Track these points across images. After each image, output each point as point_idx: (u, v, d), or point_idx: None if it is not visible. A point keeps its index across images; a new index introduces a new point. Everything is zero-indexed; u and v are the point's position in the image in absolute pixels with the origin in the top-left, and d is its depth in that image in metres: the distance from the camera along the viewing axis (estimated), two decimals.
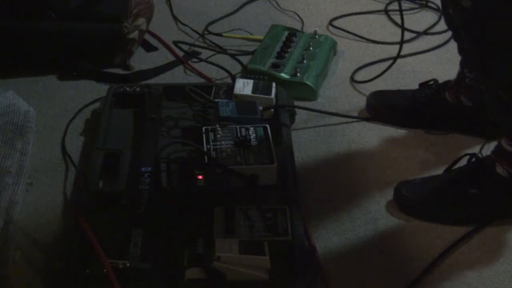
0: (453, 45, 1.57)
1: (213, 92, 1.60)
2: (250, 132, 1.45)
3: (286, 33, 1.92)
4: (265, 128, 1.46)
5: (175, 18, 2.05)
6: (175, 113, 1.56)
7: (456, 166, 1.46)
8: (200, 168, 1.36)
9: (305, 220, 1.34)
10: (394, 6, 2.15)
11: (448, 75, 1.61)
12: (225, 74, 1.80)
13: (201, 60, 1.87)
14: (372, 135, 1.62)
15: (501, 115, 1.35)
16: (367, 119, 1.66)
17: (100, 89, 1.72)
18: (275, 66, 1.78)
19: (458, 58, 1.56)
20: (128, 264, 1.18)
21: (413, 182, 1.44)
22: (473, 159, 1.43)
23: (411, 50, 1.91)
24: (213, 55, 1.88)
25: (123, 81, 1.75)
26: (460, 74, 1.58)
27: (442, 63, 1.86)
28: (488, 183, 1.39)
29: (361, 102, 1.70)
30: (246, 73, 1.77)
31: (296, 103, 1.65)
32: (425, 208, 1.40)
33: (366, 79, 1.79)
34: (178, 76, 1.82)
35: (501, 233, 1.37)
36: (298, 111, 1.63)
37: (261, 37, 1.92)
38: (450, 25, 1.48)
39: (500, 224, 1.39)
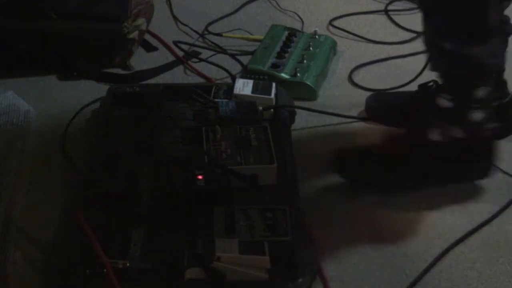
0: None
1: (213, 92, 1.60)
2: (250, 132, 1.45)
3: (286, 33, 1.92)
4: (265, 128, 1.46)
5: (175, 18, 2.06)
6: (175, 113, 1.55)
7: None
8: (200, 168, 1.36)
9: (305, 220, 1.34)
10: (394, 6, 2.15)
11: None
12: (225, 74, 1.80)
13: (201, 60, 1.87)
14: (372, 136, 1.62)
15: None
16: (366, 119, 1.66)
17: (100, 89, 1.72)
18: (275, 66, 1.78)
19: None
20: (128, 264, 1.18)
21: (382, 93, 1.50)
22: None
23: (411, 50, 1.91)
24: (213, 55, 1.88)
25: (123, 81, 1.75)
26: None
27: None
28: (422, 147, 1.40)
29: (361, 102, 1.70)
30: (246, 73, 1.77)
31: (296, 103, 1.65)
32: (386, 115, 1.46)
33: (365, 79, 1.79)
34: (178, 76, 1.82)
35: (501, 233, 1.37)
36: (298, 111, 1.63)
37: (261, 37, 1.92)
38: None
39: (500, 224, 1.39)
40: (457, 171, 1.43)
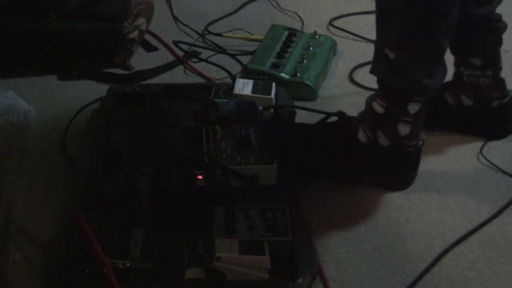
0: None
1: (213, 92, 1.60)
2: (250, 132, 1.45)
3: (286, 33, 1.92)
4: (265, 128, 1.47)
5: (175, 18, 2.05)
6: (175, 113, 1.55)
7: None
8: (200, 168, 1.36)
9: (305, 220, 1.34)
10: None
11: (448, 75, 1.60)
12: (225, 74, 1.80)
13: (201, 60, 1.87)
14: None
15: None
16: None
17: (100, 89, 1.72)
18: (275, 66, 1.78)
19: None
20: (128, 264, 1.18)
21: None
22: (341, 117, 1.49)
23: None
24: (213, 55, 1.88)
25: (123, 81, 1.75)
26: (456, 74, 1.58)
27: None
28: (348, 145, 1.44)
29: (361, 102, 1.70)
30: (246, 73, 1.77)
31: (296, 103, 1.65)
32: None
33: (365, 79, 1.79)
34: (178, 76, 1.82)
35: (501, 233, 1.37)
36: (298, 111, 1.63)
37: (261, 37, 1.92)
38: None
39: (500, 224, 1.39)
40: (378, 176, 1.45)
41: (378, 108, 1.40)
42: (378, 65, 1.38)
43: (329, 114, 1.52)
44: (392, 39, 1.33)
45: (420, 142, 1.43)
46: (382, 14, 1.34)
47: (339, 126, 1.48)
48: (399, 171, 1.45)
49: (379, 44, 1.37)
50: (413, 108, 1.37)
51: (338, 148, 1.44)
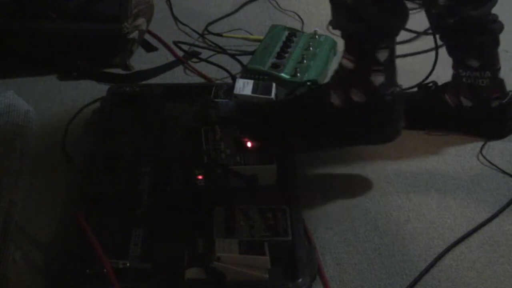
0: None
1: (213, 92, 1.60)
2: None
3: (286, 33, 1.91)
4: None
5: (175, 18, 2.05)
6: (175, 113, 1.55)
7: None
8: (200, 168, 1.36)
9: (305, 220, 1.34)
10: None
11: (448, 76, 1.61)
12: (225, 74, 1.80)
13: (201, 60, 1.86)
14: None
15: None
16: None
17: (100, 89, 1.72)
18: (275, 66, 1.77)
19: None
20: (128, 264, 1.18)
21: None
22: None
23: (411, 50, 1.91)
24: (213, 55, 1.88)
25: (123, 81, 1.75)
26: (455, 76, 1.58)
27: (442, 63, 1.86)
28: (323, 112, 1.39)
29: None
30: (246, 73, 1.77)
31: None
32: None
33: None
34: (178, 76, 1.82)
35: (501, 233, 1.37)
36: None
37: (261, 37, 1.92)
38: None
39: (500, 224, 1.39)
40: (359, 134, 1.40)
41: (347, 63, 1.35)
42: (338, 16, 1.34)
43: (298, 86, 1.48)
44: None
45: (398, 88, 1.38)
46: None
47: (311, 96, 1.44)
48: (383, 124, 1.40)
49: None
50: (383, 55, 1.33)
51: (314, 118, 1.39)
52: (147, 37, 1.94)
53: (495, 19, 1.53)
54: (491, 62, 1.55)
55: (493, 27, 1.53)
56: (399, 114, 1.40)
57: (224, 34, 1.97)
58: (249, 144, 1.42)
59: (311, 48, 1.84)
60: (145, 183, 1.36)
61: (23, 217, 1.36)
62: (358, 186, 1.47)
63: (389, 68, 1.35)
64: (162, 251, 1.22)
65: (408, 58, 1.89)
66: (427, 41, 1.97)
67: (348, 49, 1.36)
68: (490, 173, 1.52)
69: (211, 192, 1.34)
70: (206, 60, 1.85)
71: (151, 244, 1.23)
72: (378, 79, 1.35)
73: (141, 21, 1.85)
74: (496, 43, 1.54)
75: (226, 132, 1.45)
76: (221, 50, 1.91)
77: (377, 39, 1.33)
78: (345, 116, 1.37)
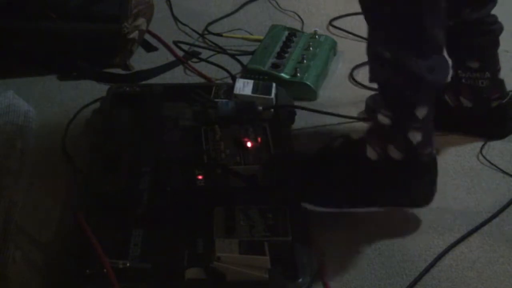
0: None
1: (213, 92, 1.60)
2: (250, 132, 1.45)
3: (286, 33, 1.92)
4: (264, 128, 1.46)
5: (175, 18, 2.05)
6: (175, 113, 1.56)
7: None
8: (200, 168, 1.36)
9: (305, 220, 1.34)
10: None
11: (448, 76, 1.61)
12: (225, 74, 1.80)
13: (201, 60, 1.87)
14: None
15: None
16: (367, 120, 1.66)
17: (100, 89, 1.72)
18: (275, 66, 1.78)
19: None
20: (128, 264, 1.18)
21: None
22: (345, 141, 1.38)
23: None
24: (213, 55, 1.88)
25: (123, 81, 1.75)
26: (455, 77, 1.58)
27: None
28: (357, 166, 1.33)
29: (361, 102, 1.70)
30: (246, 73, 1.77)
31: (296, 103, 1.65)
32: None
33: (365, 79, 1.79)
34: (178, 76, 1.82)
35: (501, 233, 1.37)
36: (298, 111, 1.63)
37: (261, 37, 1.92)
38: None
39: (500, 224, 1.39)
40: (395, 194, 1.33)
41: (384, 119, 1.29)
42: (375, 69, 1.30)
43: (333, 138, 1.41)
44: (382, 36, 1.26)
45: (434, 151, 1.32)
46: (368, 11, 1.28)
47: (345, 148, 1.37)
48: (418, 185, 1.33)
49: (372, 45, 1.28)
50: (421, 112, 1.27)
51: (347, 171, 1.33)
52: (147, 37, 1.94)
53: (495, 20, 1.53)
54: (491, 63, 1.54)
55: (493, 28, 1.53)
56: (434, 178, 1.34)
57: (224, 34, 1.97)
58: (249, 144, 1.42)
59: (311, 48, 1.85)
60: (145, 183, 1.36)
61: (23, 217, 1.36)
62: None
63: (427, 126, 1.29)
64: (162, 251, 1.22)
65: None
66: None
67: (385, 104, 1.30)
68: (490, 173, 1.52)
69: (211, 192, 1.34)
70: (206, 60, 1.85)
71: (151, 244, 1.23)
72: (416, 137, 1.28)
73: (141, 21, 1.85)
74: (496, 44, 1.54)
75: (226, 132, 1.45)
76: (221, 50, 1.91)
77: (418, 95, 1.28)
78: (382, 171, 1.31)
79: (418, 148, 1.29)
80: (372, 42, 1.28)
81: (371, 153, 1.32)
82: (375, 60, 1.28)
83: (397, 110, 1.29)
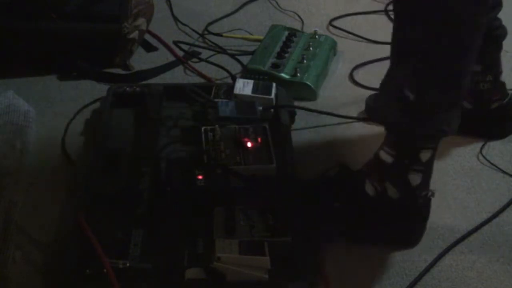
0: None
1: (213, 92, 1.60)
2: (250, 132, 1.45)
3: (286, 33, 1.92)
4: (264, 128, 1.46)
5: (175, 18, 2.05)
6: (175, 113, 1.56)
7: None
8: (200, 168, 1.36)
9: (305, 220, 1.34)
10: None
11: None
12: (225, 74, 1.80)
13: (201, 60, 1.87)
14: (372, 136, 1.62)
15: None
16: (367, 120, 1.66)
17: (100, 89, 1.72)
18: (275, 66, 1.78)
19: None
20: (128, 264, 1.18)
21: None
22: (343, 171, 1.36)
23: None
24: (213, 55, 1.88)
25: (123, 81, 1.75)
26: None
27: None
28: (354, 200, 1.31)
29: (361, 102, 1.70)
30: (246, 73, 1.77)
31: (296, 103, 1.65)
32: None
33: (365, 79, 1.79)
34: (178, 76, 1.82)
35: (501, 233, 1.37)
36: (298, 111, 1.63)
37: (261, 37, 1.92)
38: None
39: (500, 224, 1.39)
40: (386, 232, 1.32)
41: (386, 157, 1.27)
42: (390, 109, 1.24)
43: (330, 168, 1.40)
44: (413, 79, 1.19)
45: (430, 193, 1.30)
46: (401, 55, 1.22)
47: (342, 180, 1.36)
48: (408, 226, 1.32)
49: (394, 85, 1.22)
50: (425, 155, 1.25)
51: (343, 204, 1.32)
52: (147, 37, 1.94)
53: (499, 24, 1.52)
54: (494, 67, 1.54)
55: (497, 34, 1.52)
56: (426, 220, 1.33)
57: (224, 34, 1.97)
58: (249, 144, 1.42)
59: (311, 48, 1.85)
60: (145, 183, 1.36)
61: (23, 217, 1.36)
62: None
63: (428, 169, 1.27)
64: (162, 251, 1.22)
65: None
66: None
67: (389, 142, 1.27)
68: (490, 173, 1.52)
69: (211, 192, 1.34)
70: (206, 60, 1.85)
71: (151, 244, 1.23)
72: (416, 179, 1.27)
73: (141, 21, 1.85)
74: (499, 48, 1.54)
75: (226, 132, 1.45)
76: (221, 50, 1.91)
77: (427, 142, 1.25)
78: (376, 208, 1.30)
79: (416, 189, 1.28)
80: (397, 82, 1.22)
81: (370, 189, 1.30)
82: (394, 100, 1.22)
83: (401, 150, 1.26)
